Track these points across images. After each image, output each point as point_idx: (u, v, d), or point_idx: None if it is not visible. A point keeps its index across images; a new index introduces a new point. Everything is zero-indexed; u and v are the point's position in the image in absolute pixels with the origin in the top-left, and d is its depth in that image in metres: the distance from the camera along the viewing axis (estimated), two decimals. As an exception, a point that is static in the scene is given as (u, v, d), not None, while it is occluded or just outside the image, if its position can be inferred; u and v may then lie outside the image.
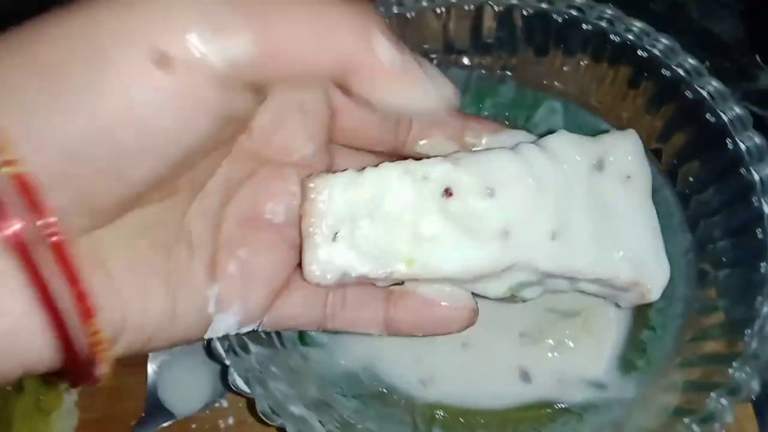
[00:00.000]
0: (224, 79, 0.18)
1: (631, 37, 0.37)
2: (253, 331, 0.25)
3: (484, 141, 0.26)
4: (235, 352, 0.29)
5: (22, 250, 0.17)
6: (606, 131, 0.39)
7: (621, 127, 0.39)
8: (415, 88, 0.20)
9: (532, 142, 0.25)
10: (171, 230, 0.21)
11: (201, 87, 0.18)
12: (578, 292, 0.27)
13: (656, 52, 0.36)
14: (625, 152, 0.25)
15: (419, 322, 0.25)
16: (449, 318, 0.25)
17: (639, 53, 0.37)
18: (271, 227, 0.24)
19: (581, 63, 0.40)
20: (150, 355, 0.40)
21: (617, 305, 0.28)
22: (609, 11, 0.38)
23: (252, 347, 0.30)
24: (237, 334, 0.29)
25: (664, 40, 0.36)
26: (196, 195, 0.22)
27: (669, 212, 0.37)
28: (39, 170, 0.17)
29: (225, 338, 0.29)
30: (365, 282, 0.24)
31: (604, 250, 0.24)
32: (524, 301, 0.26)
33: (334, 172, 0.24)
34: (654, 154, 0.38)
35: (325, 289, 0.24)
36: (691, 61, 0.36)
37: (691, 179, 0.36)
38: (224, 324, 0.23)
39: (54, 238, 0.17)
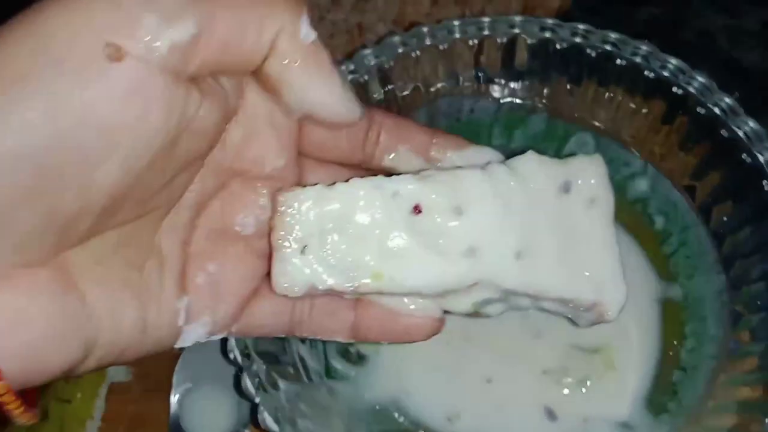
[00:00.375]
0: (173, 69, 0.18)
1: (666, 73, 0.37)
2: (223, 339, 0.26)
3: (448, 155, 0.27)
4: (264, 389, 0.29)
5: None
6: (638, 166, 0.40)
7: (654, 163, 0.39)
8: (324, 81, 0.21)
9: (501, 162, 0.26)
10: (143, 247, 0.22)
11: (153, 78, 0.18)
12: (540, 309, 0.27)
13: (692, 89, 0.36)
14: (590, 176, 0.26)
15: (385, 330, 0.25)
16: (414, 327, 0.25)
17: (674, 90, 0.36)
18: (240, 239, 0.24)
19: (614, 96, 0.39)
20: (173, 383, 0.40)
21: (575, 324, 0.28)
22: (644, 47, 0.37)
23: (281, 383, 0.30)
24: (266, 371, 0.29)
25: (699, 78, 0.36)
26: (170, 210, 0.22)
27: (703, 251, 0.36)
28: (2, 186, 0.17)
29: (255, 375, 0.29)
30: (332, 295, 0.25)
31: (568, 270, 0.25)
32: (488, 317, 0.27)
33: (305, 185, 0.25)
34: (687, 191, 0.37)
35: (293, 298, 0.25)
36: (727, 100, 0.35)
37: (725, 218, 0.36)
38: (193, 334, 0.23)
39: None
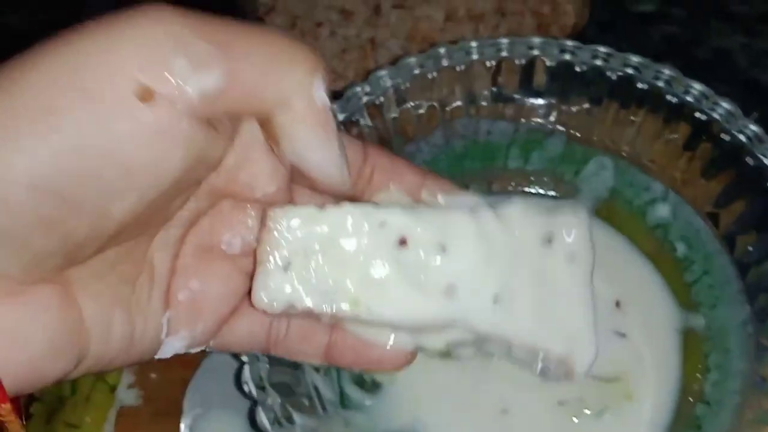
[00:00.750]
0: (199, 114, 0.19)
1: (689, 98, 0.36)
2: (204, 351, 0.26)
3: (438, 198, 0.27)
4: (280, 424, 0.28)
5: None
6: (659, 191, 0.39)
7: (676, 188, 0.38)
8: (323, 150, 0.21)
9: (489, 207, 0.26)
10: (137, 262, 0.22)
11: (179, 121, 0.18)
12: (510, 359, 0.27)
13: (716, 115, 0.35)
14: (573, 231, 0.26)
15: (358, 358, 0.26)
16: (387, 358, 0.26)
17: (697, 115, 0.36)
18: (226, 258, 0.24)
19: (635, 120, 0.38)
20: (184, 408, 0.39)
21: (542, 376, 0.27)
22: (667, 71, 0.37)
23: (296, 417, 0.30)
24: (282, 405, 0.28)
25: (724, 104, 0.35)
26: (162, 227, 0.23)
27: (726, 280, 0.36)
28: (23, 213, 0.17)
29: (270, 410, 0.28)
30: (309, 317, 0.25)
31: (542, 321, 0.25)
32: (458, 359, 0.27)
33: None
34: (710, 219, 0.37)
35: (270, 317, 0.25)
36: (752, 127, 0.35)
37: (750, 248, 0.35)
38: (172, 347, 0.24)
39: None
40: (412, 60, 0.38)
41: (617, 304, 0.37)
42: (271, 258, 0.24)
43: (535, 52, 0.39)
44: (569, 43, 0.39)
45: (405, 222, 0.24)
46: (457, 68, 0.39)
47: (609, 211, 0.40)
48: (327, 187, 0.23)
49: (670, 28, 0.58)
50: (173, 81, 0.18)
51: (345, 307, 0.24)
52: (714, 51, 0.57)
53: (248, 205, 0.24)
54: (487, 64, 0.39)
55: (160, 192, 0.19)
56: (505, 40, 0.39)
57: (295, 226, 0.23)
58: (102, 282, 0.21)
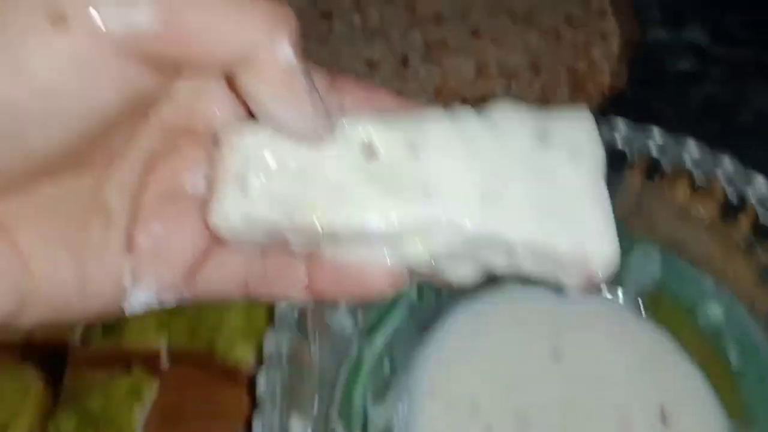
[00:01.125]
0: (125, 49, 0.18)
1: (750, 192, 0.33)
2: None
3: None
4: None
5: None
6: (709, 288, 0.36)
7: (728, 286, 0.36)
8: (291, 108, 0.20)
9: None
10: (87, 203, 0.21)
11: (100, 52, 0.18)
12: (518, 274, 0.23)
13: (780, 217, 0.33)
14: (574, 127, 0.22)
15: (341, 287, 0.23)
16: (370, 278, 0.23)
17: (759, 214, 0.33)
18: (188, 198, 0.23)
19: (686, 210, 0.36)
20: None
21: (562, 289, 0.23)
22: (726, 162, 0.34)
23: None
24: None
25: (790, 205, 0.33)
26: (114, 166, 0.22)
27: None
28: None
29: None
30: (279, 242, 0.22)
31: (542, 218, 0.21)
32: (457, 284, 0.23)
33: None
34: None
35: (243, 258, 0.23)
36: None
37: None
38: (139, 299, 0.23)
39: None
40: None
41: (662, 414, 0.35)
42: (225, 176, 0.21)
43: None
44: (621, 123, 0.36)
45: (370, 128, 0.21)
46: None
47: (655, 307, 0.37)
48: (302, 141, 0.22)
49: (710, 89, 0.55)
50: (91, 11, 0.17)
51: (310, 218, 0.21)
52: (755, 113, 0.55)
53: (208, 141, 0.23)
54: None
55: (89, 123, 0.19)
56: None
57: (250, 144, 0.21)
58: (42, 219, 0.20)
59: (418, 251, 0.22)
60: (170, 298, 0.23)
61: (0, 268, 0.19)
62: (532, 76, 0.53)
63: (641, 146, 0.36)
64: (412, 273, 0.22)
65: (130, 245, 0.22)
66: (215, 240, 0.23)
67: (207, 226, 0.22)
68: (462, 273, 0.23)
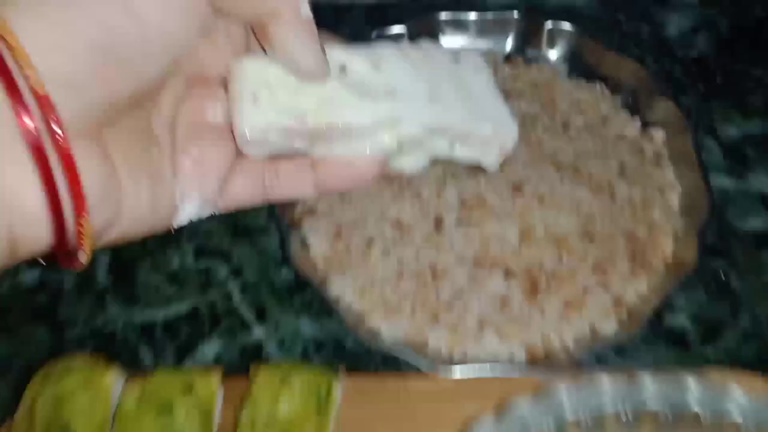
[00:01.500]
0: (212, 2, 0.24)
1: None
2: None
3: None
4: None
5: (36, 145, 0.21)
6: None
7: None
8: (311, 52, 0.26)
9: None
10: (146, 134, 0.26)
11: (200, 3, 0.24)
12: (452, 156, 0.31)
13: None
14: (472, 56, 0.32)
15: (341, 177, 0.30)
16: (362, 170, 0.29)
17: None
18: (213, 128, 0.28)
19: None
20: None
21: (485, 166, 0.32)
22: None
23: None
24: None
25: None
26: (156, 107, 0.27)
27: None
28: (72, 68, 0.21)
29: None
30: (288, 146, 0.28)
31: (469, 111, 0.30)
32: (411, 171, 0.31)
33: None
34: None
35: (261, 168, 0.29)
36: None
37: None
38: (187, 212, 0.27)
39: (61, 142, 0.21)
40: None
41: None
42: (241, 95, 0.27)
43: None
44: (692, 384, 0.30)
45: (342, 54, 0.28)
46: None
47: None
48: (311, 78, 0.28)
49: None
50: None
51: (311, 119, 0.28)
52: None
53: (217, 82, 0.28)
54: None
55: (173, 57, 0.24)
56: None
57: (252, 69, 0.28)
58: (129, 150, 0.25)
59: (388, 141, 0.29)
60: (208, 210, 0.28)
61: (104, 182, 0.23)
62: (585, 244, 0.46)
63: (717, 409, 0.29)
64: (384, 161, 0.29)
65: (176, 169, 0.27)
66: (238, 156, 0.29)
67: (230, 143, 0.28)
68: (414, 161, 0.30)
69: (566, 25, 0.55)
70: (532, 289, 0.45)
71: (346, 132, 0.28)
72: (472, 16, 0.56)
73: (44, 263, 0.24)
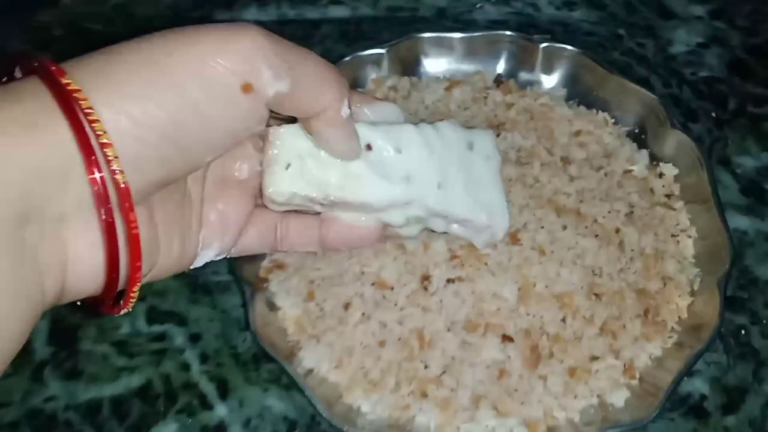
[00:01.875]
0: (270, 105, 0.27)
1: None
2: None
3: (364, 110, 0.34)
4: None
5: (108, 215, 0.23)
6: None
7: None
8: (346, 143, 0.30)
9: (428, 123, 0.34)
10: (181, 191, 0.29)
11: (260, 107, 0.27)
12: (447, 230, 0.36)
13: None
14: (487, 142, 0.36)
15: (344, 239, 0.34)
16: (365, 235, 0.33)
17: None
18: (238, 183, 0.31)
19: None
20: None
21: (475, 243, 0.37)
22: None
23: None
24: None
25: None
26: None
27: None
28: (142, 154, 0.24)
29: None
30: (305, 210, 0.33)
31: (471, 199, 0.34)
32: (408, 237, 0.35)
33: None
34: None
35: (274, 221, 0.33)
36: None
37: None
38: (206, 257, 0.31)
39: (127, 212, 0.24)
40: None
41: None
42: (275, 161, 0.31)
43: None
44: None
45: (370, 133, 0.32)
46: None
47: None
48: (341, 158, 0.31)
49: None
50: (265, 82, 0.26)
51: (333, 192, 0.31)
52: None
53: (245, 142, 0.31)
54: None
55: (225, 143, 0.27)
56: None
57: (289, 138, 0.31)
58: (165, 207, 0.27)
59: (397, 216, 0.33)
60: (223, 255, 0.32)
61: (150, 241, 0.26)
62: (591, 302, 0.41)
63: None
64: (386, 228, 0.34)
65: (201, 221, 0.30)
66: (255, 209, 0.32)
67: (250, 198, 0.32)
68: (411, 230, 0.35)
69: (563, 45, 0.49)
70: (533, 356, 0.40)
71: (361, 207, 0.32)
72: (458, 35, 0.50)
73: (83, 306, 0.26)
